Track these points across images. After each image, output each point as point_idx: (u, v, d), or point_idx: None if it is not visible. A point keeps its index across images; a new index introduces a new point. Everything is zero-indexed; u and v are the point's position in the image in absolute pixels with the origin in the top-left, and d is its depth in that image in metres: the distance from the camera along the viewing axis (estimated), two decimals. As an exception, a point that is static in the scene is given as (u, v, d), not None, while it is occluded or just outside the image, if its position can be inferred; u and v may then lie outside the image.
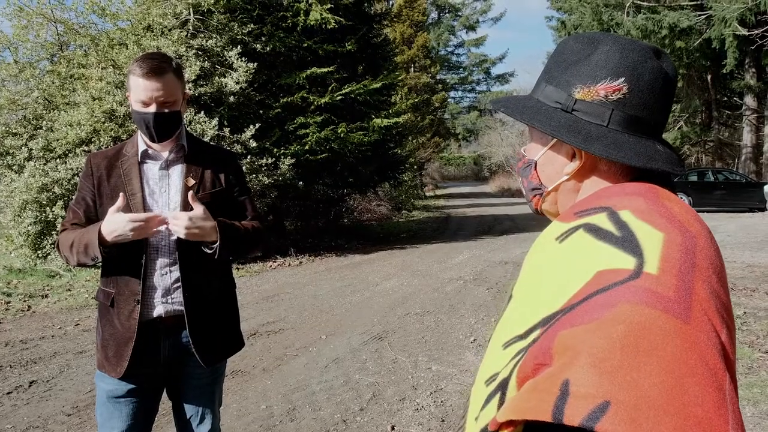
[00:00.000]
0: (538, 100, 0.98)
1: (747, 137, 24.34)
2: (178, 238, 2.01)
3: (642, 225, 0.80)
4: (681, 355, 0.67)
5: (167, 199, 2.07)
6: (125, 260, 2.01)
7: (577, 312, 0.74)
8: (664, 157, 0.91)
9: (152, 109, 1.97)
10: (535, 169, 1.01)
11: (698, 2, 21.25)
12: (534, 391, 0.71)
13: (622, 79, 0.90)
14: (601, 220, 0.83)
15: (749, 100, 24.18)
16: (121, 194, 1.94)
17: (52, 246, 9.14)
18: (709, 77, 26.56)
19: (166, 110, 1.99)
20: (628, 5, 21.66)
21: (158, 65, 1.96)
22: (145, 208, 2.03)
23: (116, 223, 1.88)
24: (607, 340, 0.68)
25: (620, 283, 0.73)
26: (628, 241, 0.78)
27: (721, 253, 0.86)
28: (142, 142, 2.09)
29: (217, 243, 1.99)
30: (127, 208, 1.96)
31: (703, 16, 20.68)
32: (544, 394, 0.69)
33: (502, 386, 0.80)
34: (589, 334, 0.70)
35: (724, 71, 22.03)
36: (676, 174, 0.91)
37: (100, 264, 2.06)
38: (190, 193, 1.99)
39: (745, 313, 6.09)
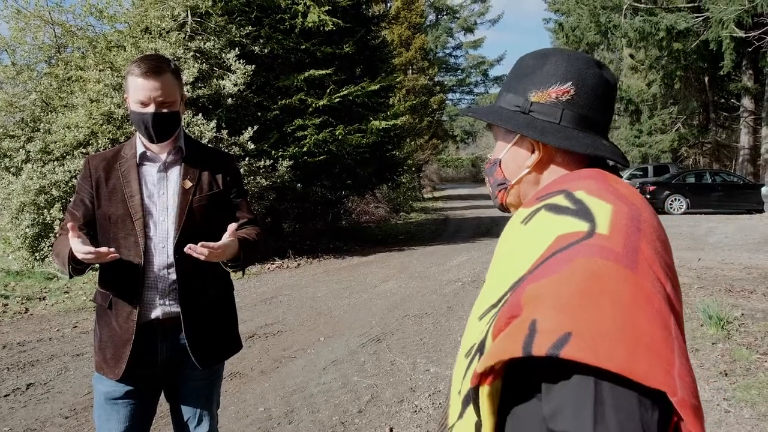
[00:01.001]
0: (500, 106, 1.13)
1: (744, 139, 24.39)
2: (177, 237, 2.02)
3: (593, 200, 0.93)
4: (630, 295, 0.78)
5: (165, 201, 2.07)
6: (123, 262, 2.01)
7: (541, 269, 0.86)
8: (610, 149, 1.06)
9: (151, 109, 1.97)
10: (500, 166, 1.15)
11: (695, 4, 21.29)
12: (506, 336, 0.81)
13: (570, 83, 1.06)
14: (559, 200, 0.96)
15: (746, 102, 24.24)
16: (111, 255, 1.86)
17: (50, 248, 9.12)
18: (706, 79, 26.63)
19: (165, 110, 1.99)
20: (625, 7, 21.70)
21: (157, 65, 1.96)
22: (144, 210, 2.03)
23: (78, 251, 1.81)
24: (567, 286, 0.80)
25: (577, 242, 0.86)
26: (582, 211, 0.91)
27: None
28: (140, 144, 2.08)
29: (239, 261, 2.03)
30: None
31: (701, 18, 20.71)
32: (515, 336, 0.79)
33: (480, 348, 0.91)
34: (552, 284, 0.81)
35: (722, 73, 22.08)
36: (620, 164, 1.08)
37: (98, 266, 2.06)
38: (232, 226, 1.95)
39: (743, 314, 6.10)
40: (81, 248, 1.80)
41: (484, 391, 0.85)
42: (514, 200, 1.15)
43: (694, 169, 23.60)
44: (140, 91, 1.96)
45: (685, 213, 18.93)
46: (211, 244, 1.90)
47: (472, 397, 0.89)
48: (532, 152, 1.08)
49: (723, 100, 27.78)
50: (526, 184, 1.11)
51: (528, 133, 1.05)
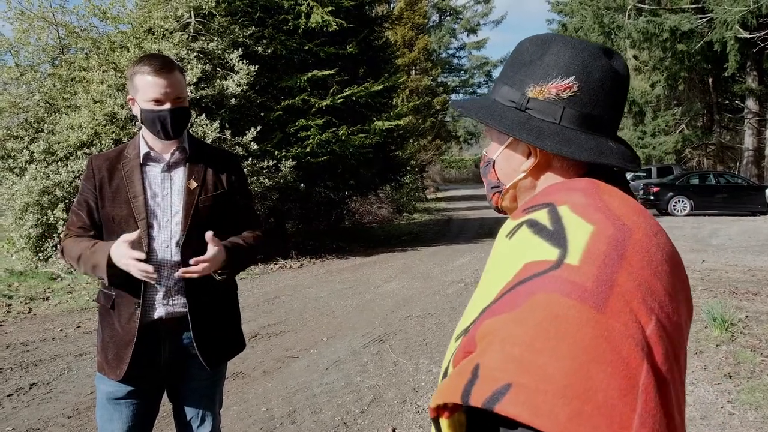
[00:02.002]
0: (494, 100, 1.01)
1: (748, 140, 24.32)
2: (181, 238, 2.02)
3: (575, 219, 0.82)
4: (590, 342, 0.68)
5: (169, 202, 2.06)
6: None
7: (501, 302, 0.78)
8: (617, 153, 0.93)
9: (168, 105, 1.97)
10: (494, 167, 1.05)
11: (700, 5, 21.25)
12: (453, 376, 0.75)
13: (573, 77, 0.93)
14: (541, 216, 0.86)
15: (751, 104, 24.17)
16: (136, 233, 1.92)
17: (54, 249, 9.13)
18: (710, 80, 26.58)
19: (179, 106, 2.01)
20: (629, 8, 21.67)
21: (167, 63, 1.99)
22: (148, 211, 2.02)
23: (123, 256, 1.87)
24: (520, 327, 0.72)
25: (541, 273, 0.77)
26: (556, 234, 0.81)
27: (675, 248, 0.87)
28: (144, 144, 2.08)
29: (227, 270, 2.03)
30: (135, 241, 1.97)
31: (705, 19, 20.68)
32: (459, 378, 0.73)
33: (444, 376, 0.85)
34: (506, 322, 0.74)
35: (726, 74, 22.05)
36: (629, 169, 0.94)
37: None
38: (209, 234, 1.96)
39: (747, 317, 6.07)
40: (142, 267, 1.85)
41: (444, 423, 0.79)
42: (510, 204, 1.05)
43: (698, 171, 23.54)
44: (155, 89, 1.95)
45: (688, 215, 18.90)
46: (202, 258, 1.93)
47: (434, 426, 0.82)
48: (529, 155, 0.97)
49: (727, 102, 27.71)
50: (522, 189, 1.01)
51: (522, 137, 0.93)
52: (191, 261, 1.93)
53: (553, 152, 0.92)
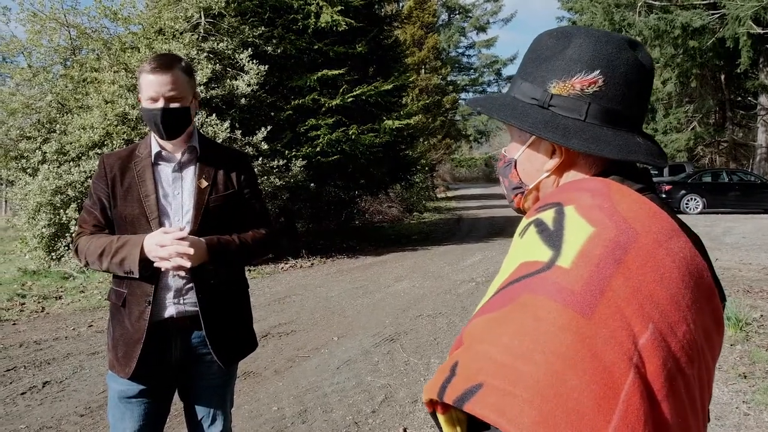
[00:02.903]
0: (514, 98, 0.97)
1: (762, 137, 24.09)
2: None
3: (577, 220, 0.80)
4: (569, 347, 0.67)
5: (180, 202, 2.06)
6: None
7: (491, 301, 0.78)
8: (644, 149, 0.90)
9: (160, 104, 1.96)
10: (515, 167, 1.01)
11: (711, 1, 21.08)
12: (437, 372, 0.76)
13: (597, 71, 0.89)
14: (548, 215, 0.84)
15: (764, 100, 23.94)
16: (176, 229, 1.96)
17: (66, 248, 9.20)
18: (722, 77, 26.36)
19: (174, 105, 1.98)
20: (639, 5, 21.53)
21: (166, 61, 1.97)
22: (160, 210, 2.02)
23: (154, 244, 1.90)
24: (501, 327, 0.72)
25: (531, 274, 0.76)
26: (554, 235, 0.79)
27: (695, 255, 0.82)
28: (155, 143, 2.08)
29: (210, 267, 2.01)
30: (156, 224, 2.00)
31: (717, 15, 20.51)
32: (440, 375, 0.74)
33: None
34: (490, 322, 0.74)
35: (738, 71, 21.86)
36: (658, 165, 0.91)
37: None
38: (180, 233, 1.95)
39: (762, 316, 6.01)
40: (181, 250, 1.89)
41: (441, 418, 0.79)
42: (532, 205, 1.00)
43: (711, 169, 23.37)
44: (150, 87, 1.96)
45: (701, 213, 18.76)
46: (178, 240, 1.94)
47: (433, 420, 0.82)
48: (552, 154, 0.94)
49: (740, 98, 27.47)
50: (545, 189, 0.98)
51: (548, 136, 0.89)
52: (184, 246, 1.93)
53: (581, 151, 0.89)
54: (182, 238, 1.89)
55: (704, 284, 0.80)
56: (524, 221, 0.91)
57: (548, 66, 0.93)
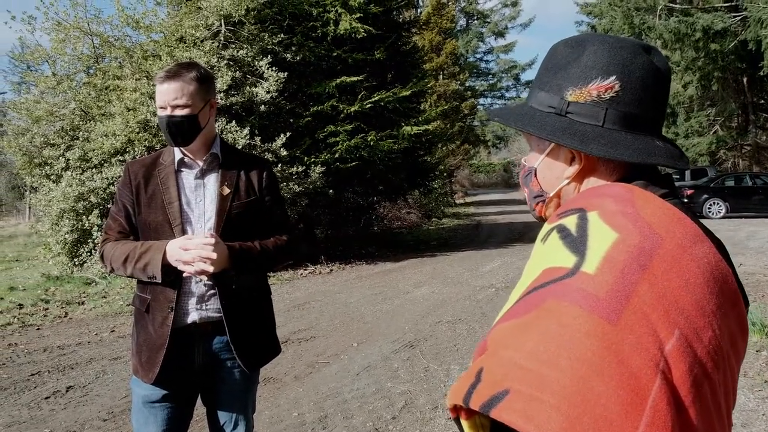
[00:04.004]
0: (532, 107, 0.98)
1: (786, 141, 23.70)
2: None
3: (600, 226, 0.79)
4: (595, 353, 0.67)
5: (203, 209, 2.08)
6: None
7: (515, 307, 0.78)
8: (664, 152, 0.90)
9: (167, 112, 2.00)
10: (536, 176, 1.02)
11: (733, 3, 20.82)
12: (462, 377, 0.76)
13: (613, 77, 0.90)
14: (570, 221, 0.84)
15: (788, 103, 23.57)
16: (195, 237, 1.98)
17: (89, 254, 9.32)
18: (745, 80, 26.00)
19: (179, 113, 1.99)
20: (660, 8, 21.33)
21: (175, 70, 2.00)
22: (183, 217, 2.05)
23: (177, 248, 1.93)
24: (526, 333, 0.71)
25: (555, 280, 0.76)
26: (578, 241, 0.79)
27: (720, 262, 0.82)
28: (178, 150, 2.11)
29: (231, 272, 2.02)
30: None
31: (738, 18, 20.26)
32: (465, 380, 0.74)
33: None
34: (515, 328, 0.74)
35: (761, 73, 21.51)
36: (678, 168, 0.91)
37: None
38: (209, 236, 1.97)
39: (787, 321, 5.90)
40: (199, 242, 1.92)
41: (465, 424, 0.79)
42: (554, 213, 1.00)
43: (734, 172, 23.04)
44: (159, 96, 2.01)
45: (724, 217, 18.49)
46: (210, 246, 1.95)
47: (456, 425, 0.82)
48: (572, 161, 0.94)
49: (762, 101, 27.08)
50: (566, 196, 0.98)
51: (566, 142, 0.90)
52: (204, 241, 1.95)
53: (600, 156, 0.89)
54: (209, 243, 1.91)
55: (729, 289, 0.80)
56: (546, 227, 0.91)
57: (564, 74, 0.94)
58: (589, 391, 0.65)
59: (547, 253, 0.83)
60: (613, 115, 0.90)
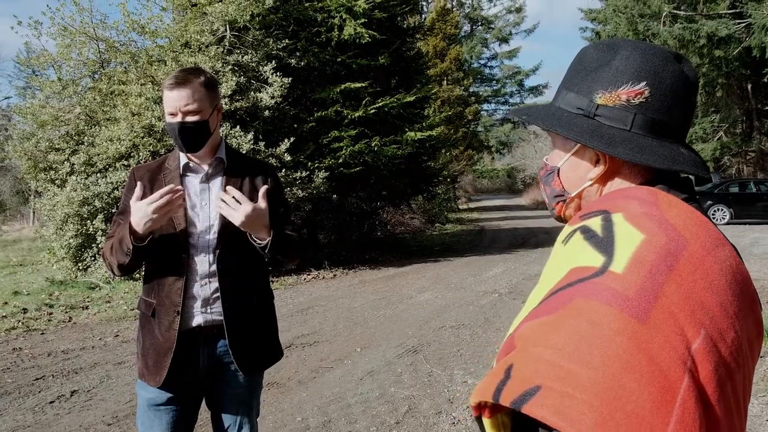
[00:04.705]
0: (559, 108, 0.99)
1: (790, 147, 23.65)
2: (219, 247, 2.03)
3: (627, 227, 0.80)
4: (626, 351, 0.68)
5: (207, 213, 2.09)
6: (167, 272, 2.04)
7: (543, 305, 0.79)
8: (690, 160, 0.91)
9: (178, 119, 2.00)
10: (558, 175, 1.03)
11: (737, 10, 20.82)
12: (489, 375, 0.76)
13: (644, 83, 0.91)
14: (595, 223, 0.85)
15: (792, 110, 23.53)
16: (138, 183, 1.98)
17: (93, 258, 9.34)
18: (749, 86, 25.97)
19: (190, 120, 2.00)
20: (664, 15, 21.34)
21: (183, 76, 2.01)
22: (188, 221, 2.06)
23: (139, 210, 1.91)
24: (556, 331, 0.72)
25: (584, 279, 0.76)
26: (605, 242, 0.80)
27: (743, 266, 0.85)
28: (183, 155, 2.12)
29: (268, 239, 2.00)
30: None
31: (743, 25, 20.25)
32: (494, 377, 0.74)
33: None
34: (543, 326, 0.74)
35: (766, 80, 21.51)
36: (701, 177, 0.91)
37: (143, 273, 2.10)
38: (263, 189, 2.02)
39: (792, 328, 5.88)
40: (146, 201, 1.90)
41: (487, 422, 0.79)
42: (574, 213, 1.02)
43: (738, 179, 23.00)
44: (169, 103, 2.01)
45: (728, 223, 18.45)
46: (240, 195, 1.97)
47: (477, 424, 0.83)
48: (597, 163, 0.95)
49: (767, 108, 27.05)
50: (588, 197, 0.99)
51: (594, 144, 0.91)
52: (233, 195, 1.97)
53: (626, 160, 0.90)
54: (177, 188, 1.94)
55: (748, 293, 0.82)
56: (567, 228, 0.92)
57: (594, 77, 0.95)
58: (621, 388, 0.66)
59: (572, 254, 0.84)
60: (641, 121, 0.91)
